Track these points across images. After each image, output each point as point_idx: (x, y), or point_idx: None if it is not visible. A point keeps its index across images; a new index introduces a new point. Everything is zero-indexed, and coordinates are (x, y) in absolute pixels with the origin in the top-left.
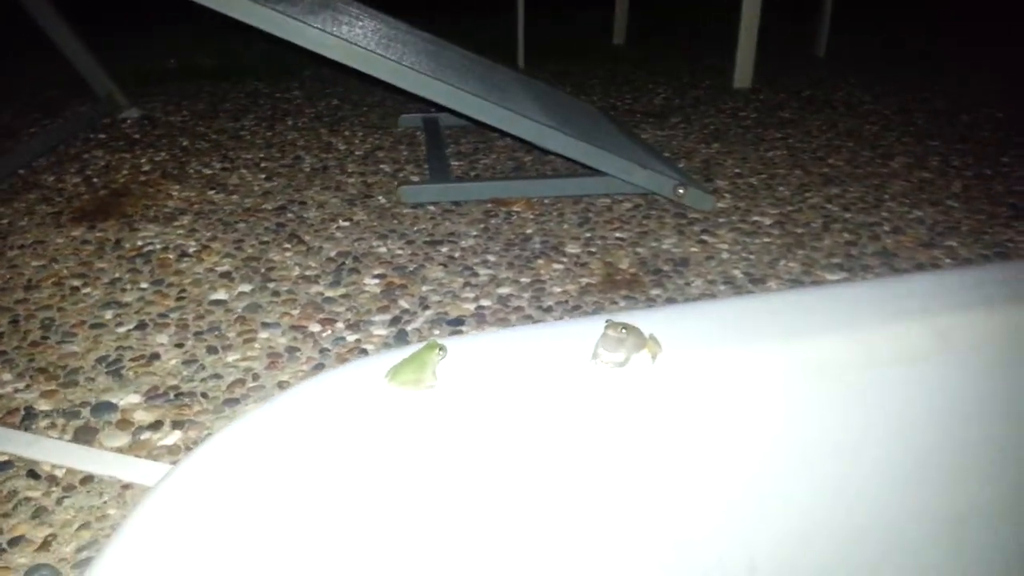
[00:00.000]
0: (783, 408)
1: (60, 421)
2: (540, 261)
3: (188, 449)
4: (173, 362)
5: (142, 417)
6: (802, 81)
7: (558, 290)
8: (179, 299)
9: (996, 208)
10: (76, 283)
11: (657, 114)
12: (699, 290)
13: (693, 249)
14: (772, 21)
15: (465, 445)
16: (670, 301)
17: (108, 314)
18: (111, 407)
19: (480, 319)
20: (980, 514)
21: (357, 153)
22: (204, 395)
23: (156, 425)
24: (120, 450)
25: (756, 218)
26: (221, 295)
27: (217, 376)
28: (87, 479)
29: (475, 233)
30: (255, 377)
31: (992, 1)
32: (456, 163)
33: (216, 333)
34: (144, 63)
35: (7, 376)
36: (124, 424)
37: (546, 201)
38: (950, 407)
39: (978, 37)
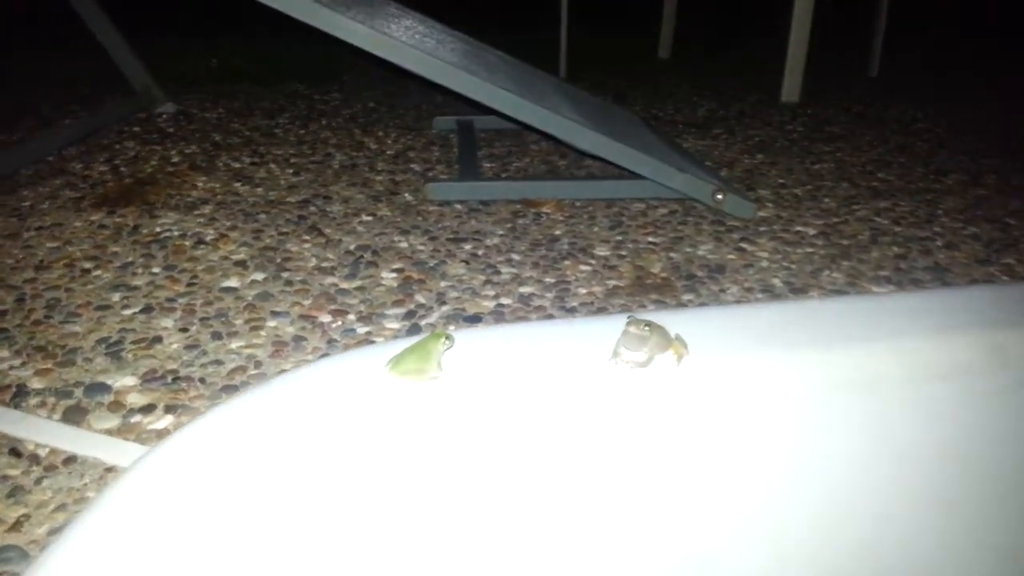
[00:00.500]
0: (817, 421)
1: (51, 400)
2: (567, 262)
3: None
4: (175, 346)
5: (135, 400)
6: (852, 98)
7: (583, 291)
8: (190, 285)
9: None
10: (88, 265)
11: (700, 125)
12: (734, 297)
13: (730, 256)
14: (823, 39)
15: (466, 440)
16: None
17: (115, 296)
18: (105, 388)
19: (499, 317)
20: None
21: (388, 152)
22: (202, 380)
23: (148, 408)
24: (108, 432)
25: (799, 228)
26: (233, 283)
27: (218, 362)
28: (70, 460)
29: (501, 232)
30: (257, 364)
31: None
32: (488, 165)
33: (223, 319)
34: (185, 64)
35: (4, 353)
36: (116, 406)
37: (577, 204)
38: (1003, 425)
39: None
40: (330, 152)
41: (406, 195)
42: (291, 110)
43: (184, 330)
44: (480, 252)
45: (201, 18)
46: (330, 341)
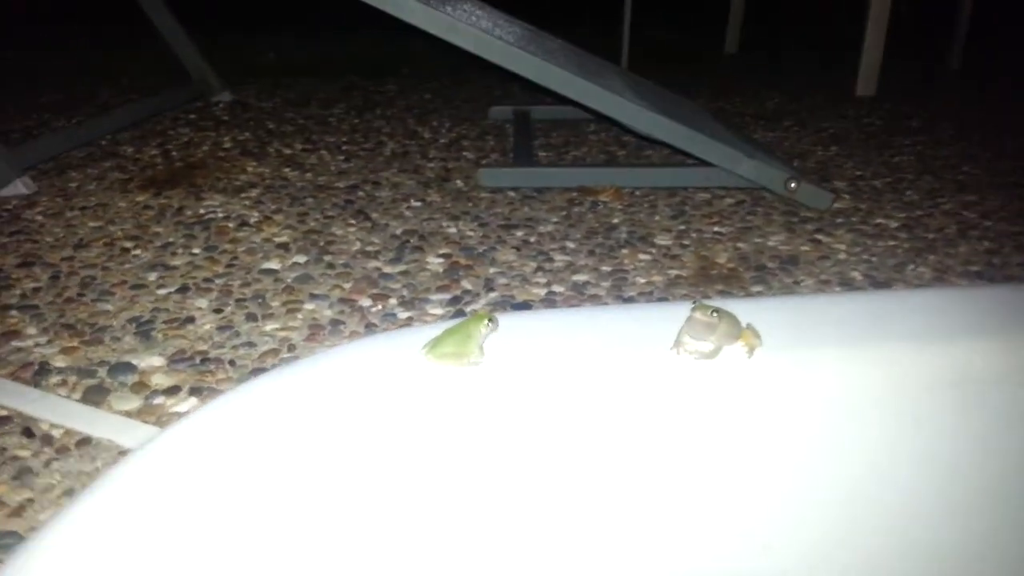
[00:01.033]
0: (907, 423)
1: (72, 379)
2: (624, 251)
3: None
4: (207, 327)
5: (160, 381)
6: (933, 92)
7: (642, 280)
8: (229, 266)
9: None
10: (127, 244)
11: (768, 117)
12: (809, 290)
13: (804, 248)
14: (900, 32)
15: (505, 433)
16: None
17: (152, 276)
18: (130, 368)
19: (550, 305)
20: None
21: (441, 141)
22: (232, 362)
23: (173, 390)
24: (128, 414)
25: (880, 220)
26: (273, 264)
27: (250, 344)
28: (84, 442)
29: (555, 220)
30: (291, 348)
31: None
32: (543, 154)
33: (259, 301)
34: (244, 57)
35: (32, 330)
36: (139, 387)
37: (637, 193)
38: None
39: None
40: (382, 140)
41: (457, 182)
42: (346, 101)
43: (218, 311)
44: (532, 239)
45: (262, 13)
46: (368, 325)
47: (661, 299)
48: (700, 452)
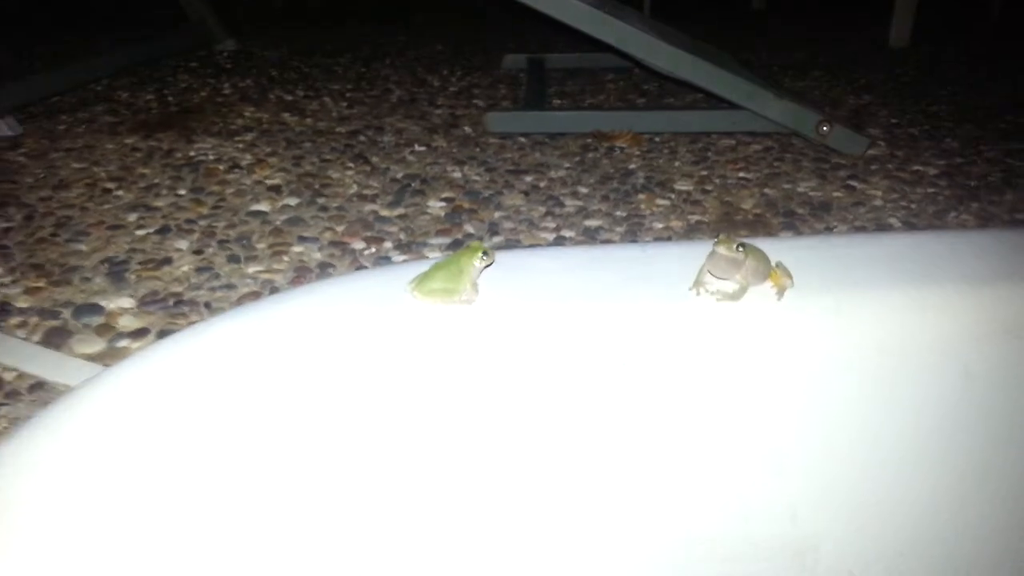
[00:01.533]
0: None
1: (34, 320)
2: (641, 196)
3: None
4: (185, 268)
5: (127, 323)
6: (970, 41)
7: (659, 226)
8: (215, 208)
9: None
10: (110, 185)
11: (798, 68)
12: (840, 233)
13: (836, 194)
14: None
15: (500, 380)
16: None
17: (132, 216)
18: (97, 309)
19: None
20: None
21: (451, 89)
22: (207, 305)
23: (140, 333)
24: (89, 357)
25: (918, 167)
26: (263, 207)
27: (229, 286)
28: (36, 386)
29: (568, 165)
30: (273, 290)
31: None
32: (558, 102)
33: (244, 243)
34: (254, 4)
35: None
36: (104, 329)
37: (657, 139)
38: None
39: None
40: (389, 88)
41: (465, 128)
42: (355, 50)
43: (198, 252)
44: (542, 184)
45: None
46: (360, 268)
47: None
48: (722, 406)
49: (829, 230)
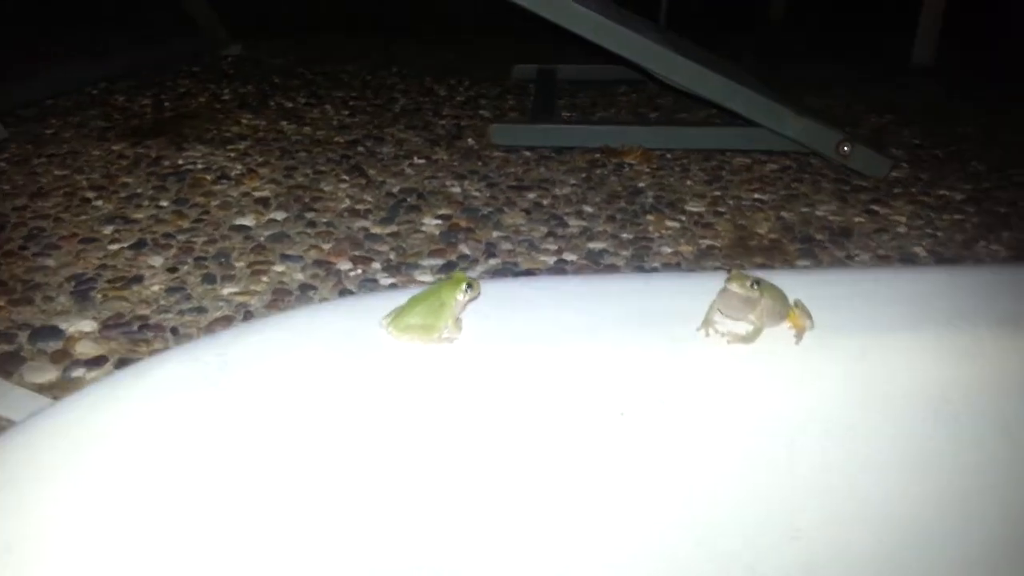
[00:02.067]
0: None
1: None
2: (650, 217)
3: None
4: (156, 288)
5: (86, 350)
6: (995, 60)
7: (668, 250)
8: (197, 221)
9: None
10: (90, 195)
11: (817, 85)
12: (866, 267)
13: (858, 219)
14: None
15: (487, 432)
16: None
17: (107, 229)
18: (55, 333)
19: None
20: None
21: (458, 99)
22: (174, 330)
23: (97, 361)
24: (40, 388)
25: (943, 191)
26: (247, 221)
27: (200, 310)
28: None
29: (574, 182)
30: (247, 315)
31: None
32: (567, 114)
33: (222, 261)
34: (261, 10)
35: None
36: (60, 356)
37: (668, 156)
38: None
39: None
40: (394, 97)
41: (469, 140)
42: (362, 58)
43: (172, 270)
44: (545, 202)
45: None
46: (344, 292)
47: (690, 272)
48: (731, 463)
49: (850, 259)
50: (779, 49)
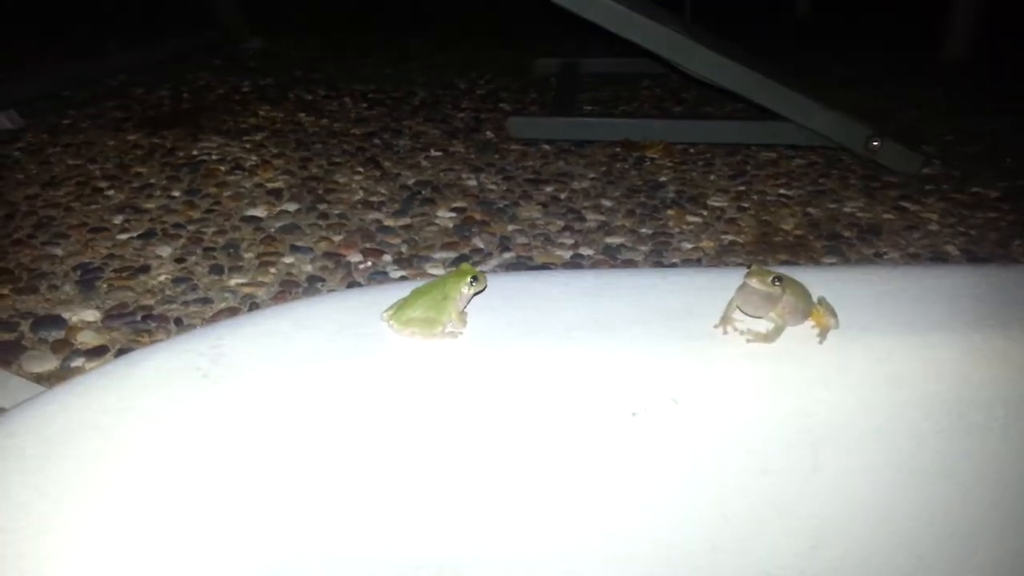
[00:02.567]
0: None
1: None
2: (670, 212)
3: None
4: (162, 277)
5: (87, 339)
6: None
7: (688, 246)
8: (208, 211)
9: None
10: (102, 184)
11: (844, 79)
12: (894, 263)
13: (887, 216)
14: None
15: (490, 433)
16: None
17: (118, 219)
18: (58, 322)
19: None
20: None
21: (478, 92)
22: (177, 321)
23: (98, 351)
24: (38, 377)
25: (977, 189)
26: (259, 212)
27: (205, 300)
28: None
29: (593, 176)
30: (253, 307)
31: None
32: (589, 107)
33: (231, 252)
34: (284, 4)
35: None
36: (61, 346)
37: (691, 150)
38: None
39: None
40: (414, 90)
41: (487, 133)
42: (384, 52)
43: (180, 260)
44: (563, 195)
45: None
46: (352, 285)
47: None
48: (749, 468)
49: (879, 256)
50: (806, 43)
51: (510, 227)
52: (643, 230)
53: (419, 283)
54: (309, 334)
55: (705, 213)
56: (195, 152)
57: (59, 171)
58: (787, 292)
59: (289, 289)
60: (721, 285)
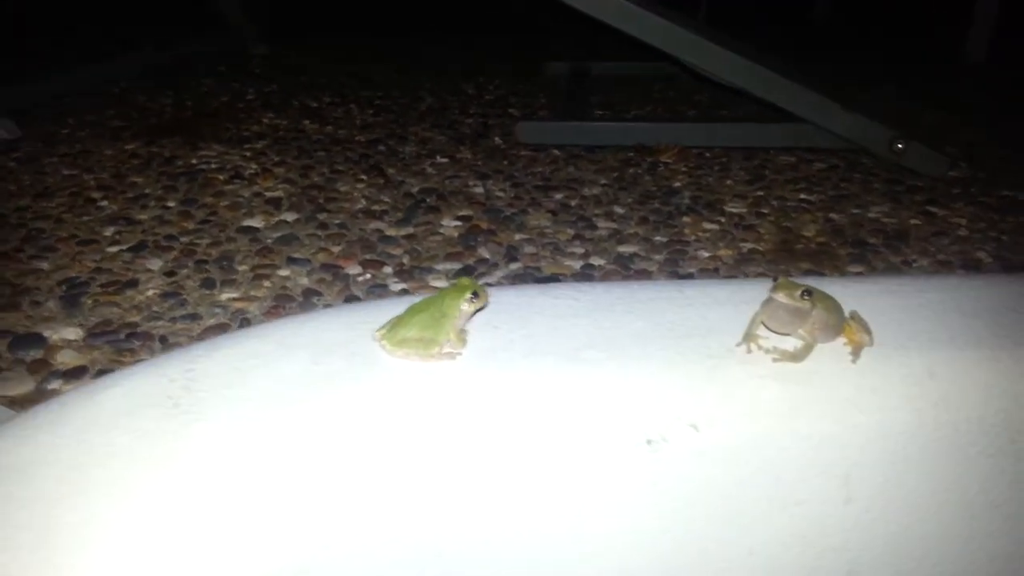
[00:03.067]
0: None
1: None
2: (686, 219)
3: None
4: (150, 292)
5: (67, 359)
6: None
7: (705, 254)
8: (203, 222)
9: None
10: (95, 195)
11: (864, 80)
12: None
13: (914, 221)
14: None
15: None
16: None
17: (109, 230)
18: (37, 341)
19: (586, 281)
20: None
21: (487, 97)
22: (163, 339)
23: (77, 372)
24: (11, 401)
25: (1006, 192)
26: (256, 222)
27: (194, 316)
28: None
29: (604, 182)
30: (244, 323)
31: None
32: (600, 112)
33: (224, 264)
34: (291, 10)
35: None
36: (39, 366)
37: (707, 155)
38: None
39: None
40: (421, 96)
41: (495, 139)
42: (393, 57)
43: (170, 274)
44: (573, 203)
45: None
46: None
47: (729, 278)
48: (777, 498)
49: (907, 264)
50: (826, 43)
51: (518, 236)
52: (657, 238)
53: (416, 298)
54: (293, 356)
55: (722, 220)
56: (194, 161)
57: (53, 181)
58: (817, 307)
59: (283, 304)
60: (744, 298)
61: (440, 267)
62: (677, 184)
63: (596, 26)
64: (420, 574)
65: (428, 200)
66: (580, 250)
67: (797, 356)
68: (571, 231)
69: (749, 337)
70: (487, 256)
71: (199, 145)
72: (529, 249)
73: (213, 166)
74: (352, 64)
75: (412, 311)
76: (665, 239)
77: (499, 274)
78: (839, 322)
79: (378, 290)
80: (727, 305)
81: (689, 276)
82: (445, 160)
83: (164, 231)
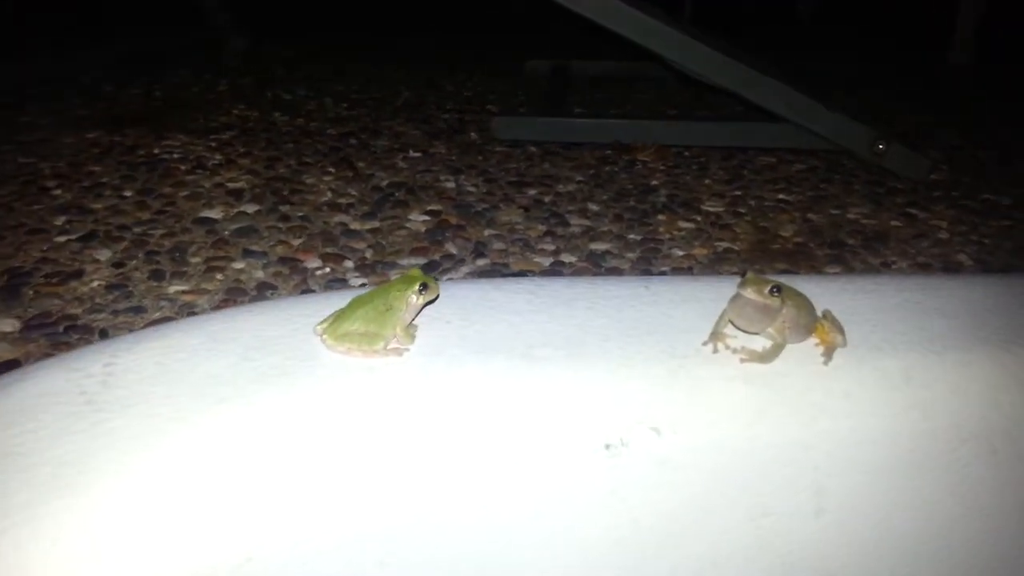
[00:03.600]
0: None
1: None
2: (661, 217)
3: None
4: (95, 284)
5: (0, 352)
6: None
7: (679, 253)
8: (159, 213)
9: None
10: (50, 183)
11: (848, 81)
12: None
13: (894, 223)
14: None
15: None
16: None
17: (59, 220)
18: None
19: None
20: None
21: (465, 94)
22: (103, 332)
23: (8, 366)
24: None
25: (988, 196)
26: (214, 213)
27: (138, 309)
28: None
29: (580, 179)
30: (191, 316)
31: None
32: (579, 109)
33: (176, 256)
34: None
35: None
36: None
37: (686, 154)
38: None
39: None
40: (398, 90)
41: (471, 134)
42: (371, 55)
43: (119, 265)
44: (547, 199)
45: None
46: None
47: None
48: (745, 507)
49: (886, 266)
50: (809, 43)
51: (487, 232)
52: (631, 236)
53: (362, 291)
54: (223, 351)
55: (698, 218)
56: (156, 151)
57: (7, 169)
58: (787, 304)
59: (235, 298)
60: (711, 295)
61: (404, 262)
62: (654, 182)
63: (580, 24)
64: None
65: (397, 194)
66: (551, 247)
67: (766, 356)
68: (543, 227)
69: (716, 336)
70: (454, 251)
71: (164, 135)
72: (498, 245)
73: (175, 156)
74: (329, 58)
75: (356, 303)
76: (639, 237)
77: (465, 270)
78: (811, 321)
79: (337, 285)
80: (694, 302)
81: (662, 275)
82: (418, 154)
83: (117, 221)
